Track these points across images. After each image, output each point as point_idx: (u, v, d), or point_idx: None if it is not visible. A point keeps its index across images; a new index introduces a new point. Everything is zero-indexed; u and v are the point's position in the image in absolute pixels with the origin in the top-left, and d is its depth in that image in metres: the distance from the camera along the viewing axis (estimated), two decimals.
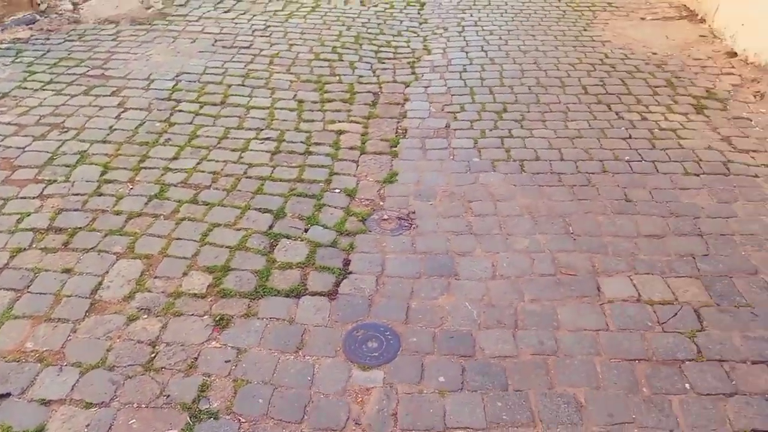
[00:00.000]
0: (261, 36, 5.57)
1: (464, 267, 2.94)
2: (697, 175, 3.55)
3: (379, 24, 5.99)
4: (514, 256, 3.00)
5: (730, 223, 3.16)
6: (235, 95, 4.51)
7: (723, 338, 2.50)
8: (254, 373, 2.40)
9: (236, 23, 5.84)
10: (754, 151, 3.75)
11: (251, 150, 3.87)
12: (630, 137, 3.95)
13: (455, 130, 4.12)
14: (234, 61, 5.05)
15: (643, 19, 5.99)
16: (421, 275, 2.90)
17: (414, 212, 3.33)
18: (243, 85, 4.67)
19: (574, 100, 4.45)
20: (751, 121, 4.09)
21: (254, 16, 6.04)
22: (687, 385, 2.31)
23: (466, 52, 5.31)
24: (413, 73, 4.96)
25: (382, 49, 5.42)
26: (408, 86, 4.75)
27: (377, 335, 2.59)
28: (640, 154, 3.77)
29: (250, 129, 4.10)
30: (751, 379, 2.32)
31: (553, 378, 2.38)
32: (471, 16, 6.19)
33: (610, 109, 4.31)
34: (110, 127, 4.06)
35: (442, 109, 4.40)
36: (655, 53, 5.15)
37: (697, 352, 2.45)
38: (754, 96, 4.38)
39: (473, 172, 3.66)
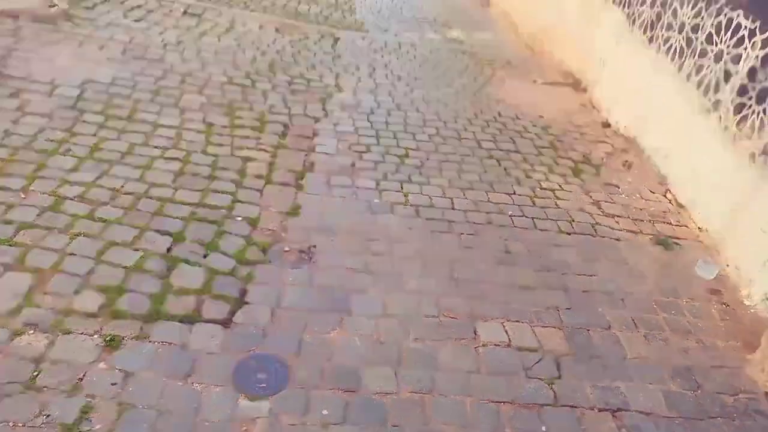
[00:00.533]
0: (173, 51, 5.53)
1: (358, 304, 3.12)
2: (569, 234, 3.99)
3: (293, 54, 6.13)
4: (404, 296, 3.23)
5: (592, 280, 3.58)
6: (144, 111, 4.46)
7: (577, 387, 2.84)
8: (140, 397, 2.42)
9: (147, 34, 5.75)
10: (618, 216, 4.26)
11: (155, 169, 3.85)
12: (514, 193, 4.35)
13: (360, 169, 4.34)
14: (144, 75, 4.98)
15: (535, 82, 6.57)
16: (315, 309, 3.05)
17: (315, 246, 3.48)
18: (152, 101, 4.62)
19: (468, 152, 4.82)
20: (619, 188, 4.64)
21: (166, 29, 5.98)
22: (543, 428, 2.62)
23: (375, 95, 5.58)
24: (324, 109, 5.14)
25: (295, 80, 5.56)
26: (318, 121, 4.92)
27: (267, 366, 2.70)
28: (521, 210, 4.16)
29: (155, 147, 4.08)
30: (597, 425, 2.67)
31: (428, 415, 2.60)
32: (382, 57, 6.50)
33: (499, 164, 4.71)
34: (6, 131, 3.87)
35: (349, 148, 4.60)
36: (542, 116, 5.68)
37: (554, 398, 2.77)
38: (623, 165, 4.96)
39: (374, 213, 3.88)
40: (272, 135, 4.57)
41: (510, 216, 4.08)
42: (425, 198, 4.12)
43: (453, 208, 4.06)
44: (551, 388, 2.82)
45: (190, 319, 2.84)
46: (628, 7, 5.53)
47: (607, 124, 5.62)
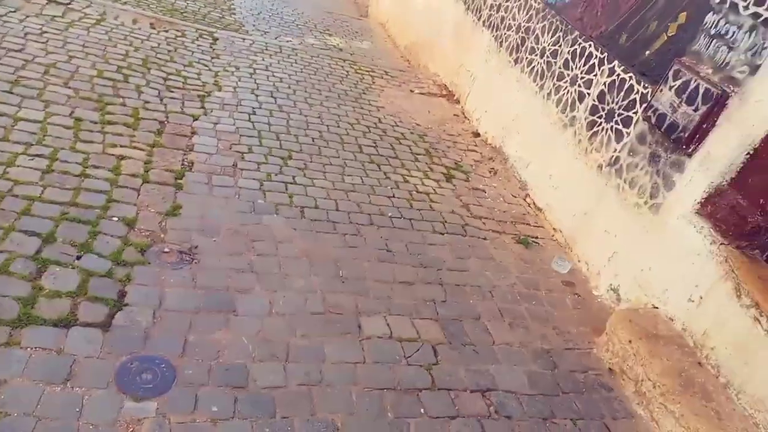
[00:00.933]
0: (35, 41, 5.15)
1: (243, 303, 3.15)
2: (442, 234, 4.28)
3: (169, 51, 5.95)
4: (290, 295, 3.31)
5: (463, 275, 3.88)
6: (1, 103, 4.13)
7: (452, 371, 3.09)
8: (16, 405, 2.29)
9: (5, 21, 5.30)
10: (485, 218, 4.63)
11: (18, 166, 3.60)
12: (394, 196, 4.58)
13: (242, 170, 4.33)
14: (1, 64, 4.60)
15: (412, 91, 6.91)
16: (200, 310, 3.03)
17: (196, 247, 3.45)
18: (11, 93, 4.29)
19: (350, 156, 4.99)
20: (485, 192, 5.04)
21: (27, 17, 5.55)
22: (422, 410, 2.82)
23: (257, 95, 5.58)
24: (203, 107, 5.05)
25: (171, 77, 5.41)
26: (196, 119, 4.83)
27: (152, 367, 2.65)
28: (400, 212, 4.39)
29: (17, 143, 3.80)
30: (469, 404, 2.92)
31: (316, 405, 2.70)
32: (263, 60, 6.50)
33: (380, 168, 4.93)
34: None
35: (230, 148, 4.58)
36: (419, 125, 6.00)
37: (431, 382, 2.99)
38: (489, 172, 5.39)
39: (257, 213, 3.90)
40: (147, 132, 4.42)
41: (390, 217, 4.29)
42: (310, 199, 4.22)
43: (337, 210, 4.19)
44: (429, 374, 3.03)
45: (66, 323, 2.71)
46: (497, 30, 6.02)
47: (477, 134, 6.06)
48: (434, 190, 4.85)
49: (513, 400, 3.01)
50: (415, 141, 5.63)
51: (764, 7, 3.23)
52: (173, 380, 2.62)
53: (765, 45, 3.21)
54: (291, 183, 4.36)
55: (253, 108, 5.32)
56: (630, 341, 3.21)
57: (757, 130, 3.16)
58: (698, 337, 3.21)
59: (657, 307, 3.52)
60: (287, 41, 7.42)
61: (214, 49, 6.36)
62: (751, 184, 3.17)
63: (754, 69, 3.24)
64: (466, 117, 6.42)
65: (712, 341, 3.12)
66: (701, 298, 3.24)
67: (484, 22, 6.37)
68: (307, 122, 5.35)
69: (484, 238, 4.36)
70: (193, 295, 3.11)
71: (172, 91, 5.14)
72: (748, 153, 3.20)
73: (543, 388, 3.13)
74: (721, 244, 3.23)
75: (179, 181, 3.99)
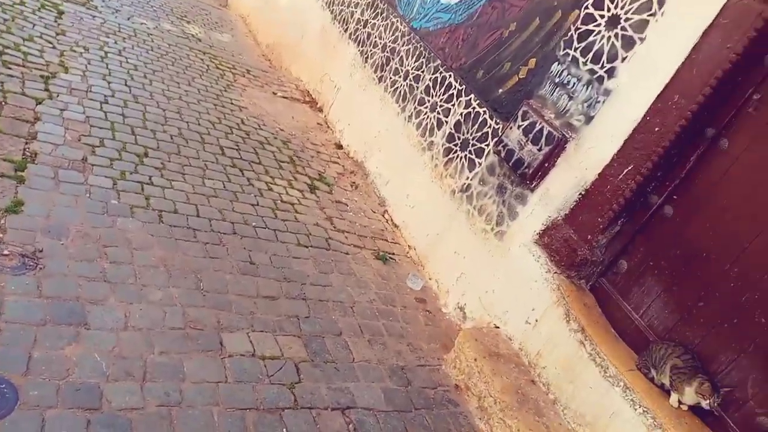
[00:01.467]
0: None
1: (95, 316, 2.93)
2: (306, 247, 4.32)
3: (5, 20, 5.28)
4: (148, 307, 3.14)
5: (326, 290, 3.96)
6: None
7: (314, 389, 3.15)
8: None
9: None
10: (347, 231, 4.76)
11: None
12: (258, 204, 4.53)
13: (93, 165, 4.00)
14: None
15: (275, 94, 6.84)
16: (46, 322, 2.77)
17: (41, 251, 3.14)
18: None
19: (212, 158, 4.83)
20: (348, 206, 5.17)
21: None
22: (284, 430, 2.85)
23: (109, 82, 5.16)
24: (47, 89, 4.57)
25: (8, 51, 4.81)
26: (40, 103, 4.36)
27: None
28: (264, 222, 4.36)
29: None
30: (330, 423, 3.01)
31: (176, 428, 2.61)
32: (115, 43, 6.02)
33: (243, 174, 4.83)
34: None
35: (79, 139, 4.20)
36: (282, 130, 5.97)
37: (294, 401, 3.03)
38: (351, 185, 5.54)
39: (111, 215, 3.64)
40: None
41: (254, 227, 4.24)
42: (168, 203, 4.02)
43: (198, 216, 4.05)
44: (292, 393, 3.07)
45: None
46: (363, 46, 6.19)
47: (339, 146, 6.18)
48: (299, 200, 4.87)
49: (371, 417, 3.15)
50: (279, 147, 5.59)
51: (599, 65, 3.73)
52: (16, 402, 2.37)
53: (598, 99, 3.70)
54: (148, 183, 4.12)
55: (105, 96, 4.92)
56: (475, 359, 3.53)
57: (589, 173, 3.64)
58: (533, 356, 3.62)
59: (498, 327, 3.90)
60: (141, 24, 6.93)
61: (59, 24, 5.76)
62: (581, 221, 3.64)
63: (589, 119, 3.72)
64: (329, 127, 6.51)
65: (544, 361, 3.54)
66: (537, 320, 3.65)
67: (350, 35, 6.50)
68: (165, 117, 5.08)
69: (346, 253, 4.49)
70: (38, 305, 2.83)
71: (9, 68, 4.58)
72: (581, 193, 3.67)
73: (398, 405, 3.31)
74: (555, 272, 3.67)
75: (20, 173, 3.58)
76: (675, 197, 3.37)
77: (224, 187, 4.54)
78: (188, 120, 5.23)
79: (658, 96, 3.30)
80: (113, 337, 2.88)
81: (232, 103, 6.02)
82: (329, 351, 3.46)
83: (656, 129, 3.29)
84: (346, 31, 6.57)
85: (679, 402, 2.98)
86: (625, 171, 3.42)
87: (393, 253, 4.80)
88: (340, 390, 3.24)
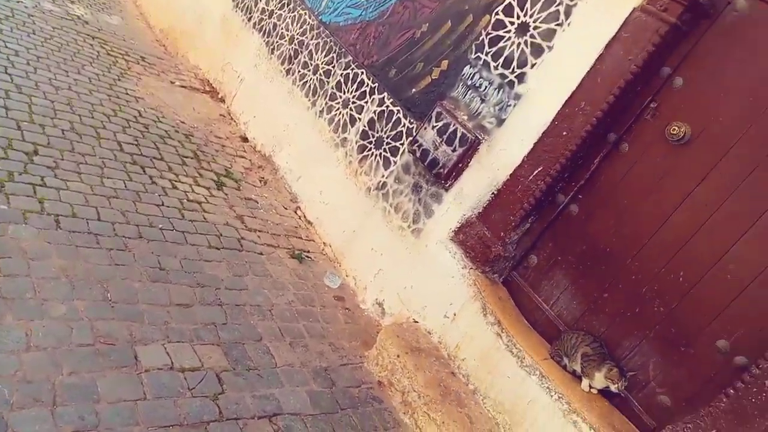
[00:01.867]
0: None
1: None
2: (218, 249, 4.16)
3: None
4: (51, 324, 2.89)
5: (242, 294, 3.84)
6: None
7: (238, 399, 3.06)
8: None
9: None
10: (260, 231, 4.64)
11: None
12: (163, 204, 4.29)
13: None
14: None
15: (173, 83, 6.48)
16: None
17: None
18: None
19: (109, 155, 4.50)
20: (258, 203, 5.03)
21: None
22: None
23: None
24: None
25: None
26: None
27: None
28: (171, 223, 4.14)
29: None
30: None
31: None
32: None
33: (144, 172, 4.55)
34: None
35: None
36: (183, 122, 5.68)
37: (219, 413, 2.93)
38: (260, 181, 5.39)
39: (1, 222, 3.30)
40: None
41: (161, 229, 4.01)
42: (65, 206, 3.70)
43: (99, 219, 3.76)
44: (216, 404, 2.97)
45: None
46: (269, 37, 6.01)
47: (245, 139, 5.98)
48: (206, 199, 4.67)
49: (298, 422, 3.12)
50: (182, 141, 5.32)
51: (509, 70, 3.89)
52: None
53: (509, 103, 3.86)
54: (40, 185, 3.77)
55: None
56: (398, 356, 3.59)
57: (501, 174, 3.79)
58: (452, 349, 3.74)
59: (417, 322, 3.99)
60: (19, 2, 6.28)
61: None
62: (494, 219, 3.79)
63: (501, 122, 3.87)
64: (233, 119, 6.28)
65: (463, 353, 3.67)
66: (455, 314, 3.78)
67: (254, 24, 6.29)
68: (54, 109, 4.66)
69: (260, 253, 4.37)
70: None
71: None
72: (494, 192, 3.82)
73: (324, 407, 3.30)
74: (470, 268, 3.80)
75: None
76: (580, 197, 3.60)
77: (125, 186, 4.25)
78: (80, 113, 4.83)
79: (566, 102, 3.49)
80: (15, 360, 2.62)
81: (127, 94, 5.63)
82: (251, 358, 3.37)
83: (564, 133, 3.48)
84: (249, 20, 6.34)
85: (590, 387, 3.22)
86: (535, 172, 3.60)
87: (308, 251, 4.74)
88: (265, 397, 3.17)
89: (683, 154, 3.21)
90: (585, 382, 3.23)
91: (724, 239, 3.00)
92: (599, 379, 3.16)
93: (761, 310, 2.83)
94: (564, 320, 3.56)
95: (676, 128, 3.21)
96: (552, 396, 3.19)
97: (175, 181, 4.68)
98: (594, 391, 3.22)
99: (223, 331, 3.46)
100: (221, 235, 4.33)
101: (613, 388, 3.10)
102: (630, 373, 3.15)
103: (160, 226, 4.05)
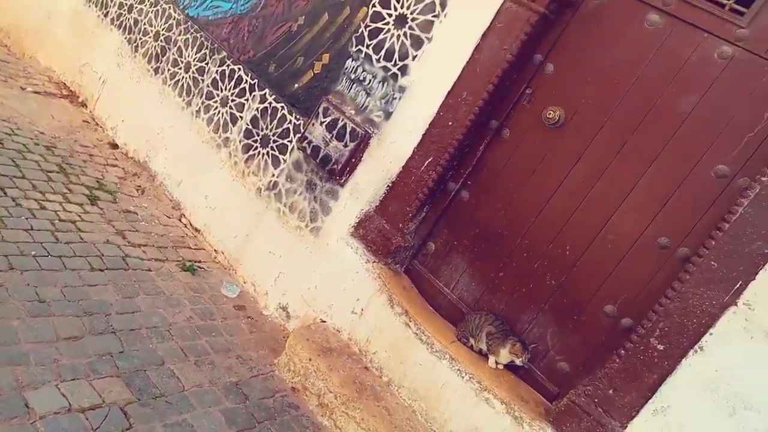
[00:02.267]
0: None
1: None
2: (102, 271, 3.86)
3: None
4: None
5: (136, 317, 3.60)
6: None
7: (148, 430, 2.89)
8: None
9: None
10: (145, 245, 4.36)
11: None
12: (32, 228, 3.89)
13: None
14: None
15: (23, 89, 5.86)
16: None
17: None
18: None
19: None
20: (138, 215, 4.71)
21: None
22: None
23: None
24: None
25: None
26: None
27: None
28: (45, 249, 3.77)
29: None
30: None
31: None
32: None
33: (5, 193, 4.09)
34: None
35: None
36: (43, 133, 5.16)
37: None
38: (137, 190, 5.05)
39: None
40: None
41: (34, 257, 3.64)
42: None
43: None
44: None
45: None
46: (130, 33, 5.60)
47: (114, 145, 5.56)
48: (80, 216, 4.30)
49: None
50: (44, 155, 4.83)
51: (391, 63, 3.93)
52: None
53: (395, 95, 3.91)
54: None
55: None
56: (310, 359, 3.56)
57: (394, 166, 3.85)
58: (362, 344, 3.77)
59: (325, 321, 3.97)
60: None
61: None
62: (391, 211, 3.85)
63: (388, 115, 3.91)
64: (98, 124, 5.80)
65: (373, 347, 3.71)
66: (362, 309, 3.80)
67: (112, 20, 5.83)
68: None
69: (149, 269, 4.11)
70: None
71: None
72: (389, 185, 3.87)
73: (240, 424, 3.20)
74: (373, 261, 3.84)
75: None
76: (470, 183, 3.75)
77: None
78: None
79: (449, 92, 3.60)
80: None
81: None
82: (155, 384, 3.18)
83: (449, 123, 3.59)
84: (106, 15, 5.86)
85: (497, 363, 3.40)
86: (426, 162, 3.69)
87: (200, 261, 4.54)
88: (178, 424, 3.01)
89: (559, 136, 3.44)
90: (491, 360, 3.41)
91: (602, 213, 3.26)
92: (504, 355, 3.34)
93: (640, 274, 3.13)
94: (465, 302, 3.71)
95: (551, 112, 3.42)
96: (463, 377, 3.33)
97: (43, 200, 4.26)
98: (500, 366, 3.40)
99: (120, 360, 3.23)
100: (103, 254, 4.01)
101: (518, 361, 3.30)
102: (531, 346, 3.37)
103: (33, 252, 3.67)
